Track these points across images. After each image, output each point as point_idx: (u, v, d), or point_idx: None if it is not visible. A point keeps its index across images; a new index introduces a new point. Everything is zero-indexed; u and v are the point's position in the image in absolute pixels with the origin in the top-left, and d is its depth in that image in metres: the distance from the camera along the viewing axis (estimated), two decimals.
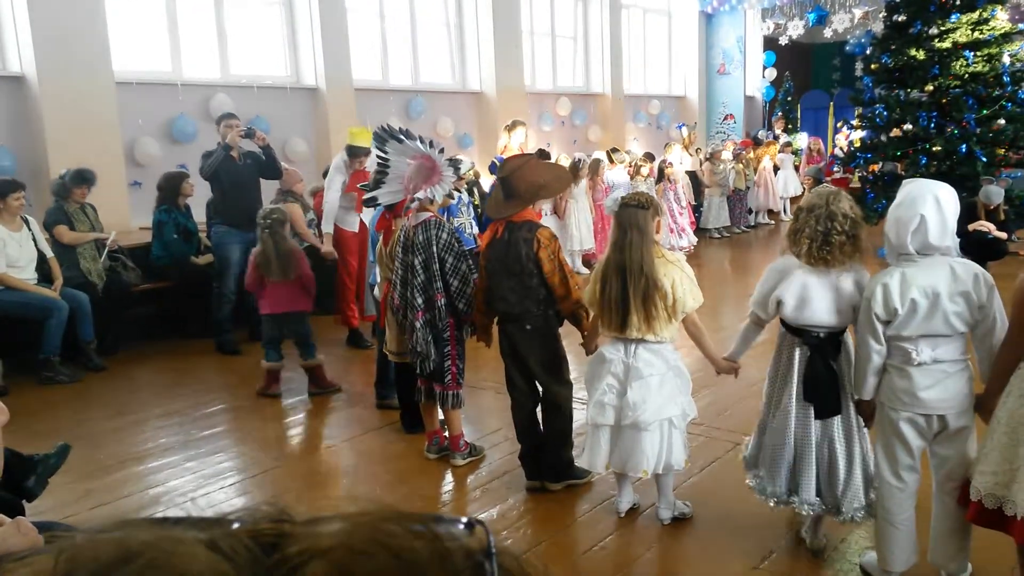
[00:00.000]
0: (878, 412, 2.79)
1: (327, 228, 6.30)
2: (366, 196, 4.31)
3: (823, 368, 2.90)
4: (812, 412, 2.95)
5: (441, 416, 4.20)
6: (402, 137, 3.94)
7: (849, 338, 3.00)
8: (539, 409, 3.84)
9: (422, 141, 3.92)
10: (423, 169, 3.91)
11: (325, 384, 5.35)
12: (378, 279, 4.63)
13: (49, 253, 5.94)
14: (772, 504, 3.10)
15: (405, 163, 3.99)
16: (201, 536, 0.38)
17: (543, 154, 9.02)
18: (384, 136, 4.00)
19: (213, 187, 6.47)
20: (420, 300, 3.90)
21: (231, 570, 0.37)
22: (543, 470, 3.78)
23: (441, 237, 3.87)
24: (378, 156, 4.16)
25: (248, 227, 6.42)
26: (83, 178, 6.15)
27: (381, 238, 4.50)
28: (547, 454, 3.77)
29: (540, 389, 3.79)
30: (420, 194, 3.89)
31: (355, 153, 6.06)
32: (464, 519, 0.42)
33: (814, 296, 2.85)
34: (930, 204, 2.55)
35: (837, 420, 2.95)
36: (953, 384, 2.62)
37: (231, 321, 6.47)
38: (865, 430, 3.01)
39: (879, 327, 2.66)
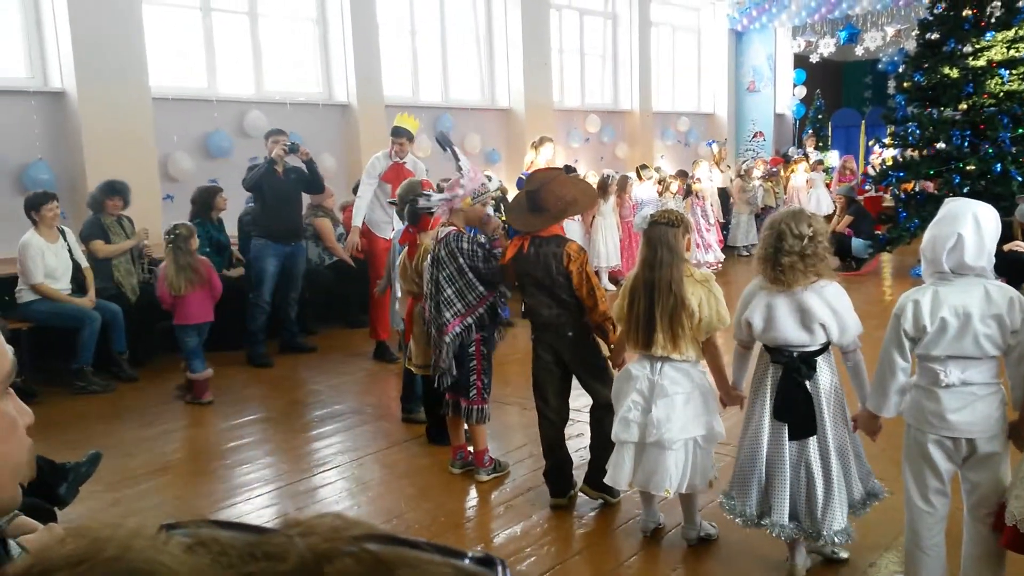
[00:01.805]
0: (906, 435, 2.75)
1: (356, 223, 6.36)
2: (422, 204, 4.34)
3: (795, 387, 2.90)
4: (786, 432, 2.94)
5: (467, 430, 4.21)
6: (445, 147, 4.14)
7: (831, 359, 2.99)
8: (567, 427, 3.84)
9: (454, 154, 4.03)
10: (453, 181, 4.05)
11: (204, 396, 5.53)
12: (399, 293, 4.66)
13: (84, 263, 6.05)
14: (740, 524, 3.08)
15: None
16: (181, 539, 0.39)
17: (569, 170, 9.03)
18: (442, 143, 4.28)
19: (256, 199, 6.59)
20: (447, 315, 3.92)
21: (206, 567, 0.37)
22: (588, 475, 3.77)
23: (462, 247, 3.89)
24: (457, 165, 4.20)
25: (287, 240, 6.53)
26: (113, 189, 6.28)
27: (405, 251, 4.53)
28: (595, 457, 3.73)
29: (588, 396, 3.78)
30: (440, 197, 4.07)
31: (397, 133, 6.16)
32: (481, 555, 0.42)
33: (779, 315, 2.89)
34: (969, 223, 2.52)
35: (813, 441, 2.92)
36: (983, 407, 2.57)
37: (264, 332, 6.55)
38: (852, 453, 2.97)
39: (907, 344, 2.62)
